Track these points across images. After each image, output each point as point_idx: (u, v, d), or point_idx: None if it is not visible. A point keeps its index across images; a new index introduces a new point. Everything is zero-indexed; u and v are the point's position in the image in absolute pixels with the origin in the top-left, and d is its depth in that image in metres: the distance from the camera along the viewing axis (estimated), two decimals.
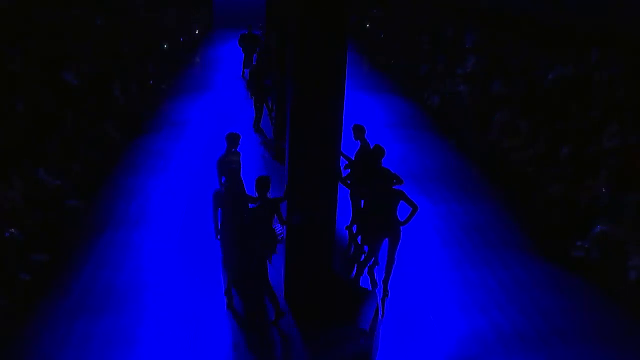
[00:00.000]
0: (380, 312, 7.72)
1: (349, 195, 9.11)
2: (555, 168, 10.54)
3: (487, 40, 16.46)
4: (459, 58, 16.32)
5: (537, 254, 9.29)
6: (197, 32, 24.85)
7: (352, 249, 9.13)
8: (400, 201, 7.75)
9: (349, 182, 8.87)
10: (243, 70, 19.01)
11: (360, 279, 8.47)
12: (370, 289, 8.19)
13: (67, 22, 15.11)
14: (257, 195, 7.35)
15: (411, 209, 7.70)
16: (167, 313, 7.58)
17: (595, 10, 13.04)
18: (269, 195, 7.39)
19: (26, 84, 11.26)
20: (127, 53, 15.94)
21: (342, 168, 8.61)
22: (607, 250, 8.64)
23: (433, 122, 15.48)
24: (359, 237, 8.80)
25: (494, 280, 8.53)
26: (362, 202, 8.71)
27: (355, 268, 8.69)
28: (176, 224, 9.72)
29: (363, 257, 8.90)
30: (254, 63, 14.96)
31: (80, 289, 7.97)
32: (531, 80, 13.31)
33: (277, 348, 7.11)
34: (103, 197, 10.65)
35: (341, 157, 8.43)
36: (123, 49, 15.96)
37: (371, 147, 8.88)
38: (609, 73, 11.73)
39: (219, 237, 7.70)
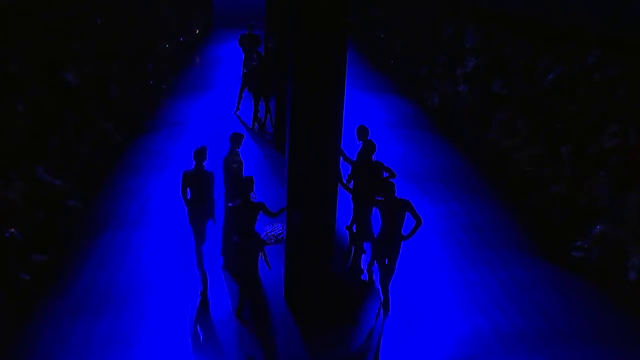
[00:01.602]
0: (381, 316, 7.73)
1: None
2: (555, 168, 10.55)
3: (487, 40, 16.45)
4: (459, 58, 16.32)
5: (537, 254, 9.29)
6: (197, 32, 24.85)
7: (352, 249, 9.13)
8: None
9: (350, 185, 8.87)
10: (243, 70, 18.98)
11: (360, 278, 8.49)
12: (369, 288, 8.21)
13: (67, 22, 15.10)
14: (240, 194, 7.38)
15: (415, 222, 7.49)
16: (167, 313, 7.58)
17: (596, 10, 13.03)
18: (253, 195, 7.40)
19: (26, 84, 11.25)
20: (127, 53, 15.94)
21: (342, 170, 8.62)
22: (607, 250, 8.64)
23: (433, 122, 15.49)
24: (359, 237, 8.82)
25: (494, 280, 8.54)
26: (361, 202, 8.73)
27: (354, 267, 8.71)
28: (176, 224, 9.71)
29: (363, 256, 8.91)
30: (254, 63, 14.99)
31: (80, 289, 7.97)
32: (531, 80, 13.31)
33: (278, 348, 7.11)
34: (103, 197, 10.65)
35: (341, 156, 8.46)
36: (123, 49, 15.96)
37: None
38: (609, 73, 11.73)
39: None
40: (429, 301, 8.01)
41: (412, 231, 7.52)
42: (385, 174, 8.60)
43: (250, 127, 14.39)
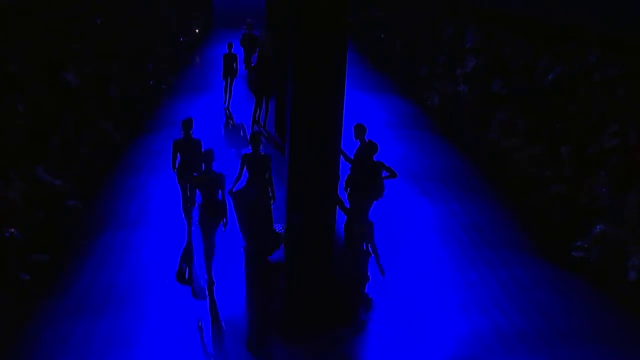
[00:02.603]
0: (380, 316, 7.73)
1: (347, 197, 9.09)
2: (555, 168, 10.54)
3: (487, 40, 16.46)
4: (459, 58, 16.32)
5: (537, 254, 9.29)
6: (197, 31, 24.86)
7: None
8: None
9: (347, 189, 8.87)
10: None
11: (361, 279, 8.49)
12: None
13: (67, 22, 15.11)
14: (203, 165, 7.88)
15: None
16: (167, 313, 7.58)
17: (596, 10, 13.04)
18: (213, 167, 7.92)
19: (26, 84, 11.26)
20: (127, 53, 15.94)
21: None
22: (607, 250, 8.64)
23: (433, 122, 15.49)
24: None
25: (494, 280, 8.53)
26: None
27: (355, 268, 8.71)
28: (176, 223, 9.72)
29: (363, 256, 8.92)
30: (253, 63, 15.09)
31: (81, 289, 7.97)
32: (531, 80, 13.31)
33: (278, 348, 7.11)
34: (103, 197, 10.65)
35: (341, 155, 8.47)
36: (123, 49, 15.96)
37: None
38: (609, 73, 11.73)
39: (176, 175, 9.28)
40: (429, 301, 8.01)
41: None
42: (385, 173, 8.61)
43: (250, 127, 14.38)
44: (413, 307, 7.87)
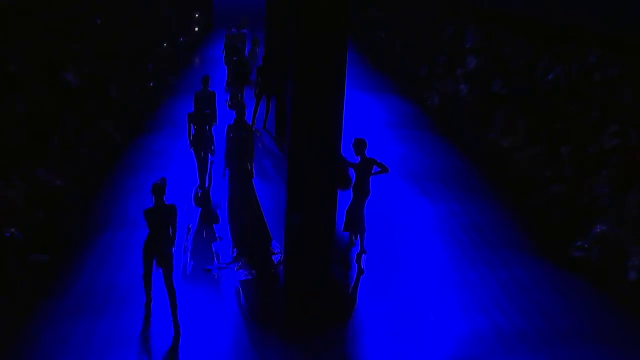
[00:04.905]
0: (381, 316, 7.73)
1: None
2: (555, 168, 10.54)
3: (487, 40, 16.46)
4: (459, 58, 16.32)
5: (537, 254, 9.29)
6: (196, 29, 24.82)
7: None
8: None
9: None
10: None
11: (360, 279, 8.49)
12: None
13: (67, 22, 15.11)
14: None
15: None
16: (167, 313, 7.58)
17: (596, 10, 13.04)
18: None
19: (26, 84, 11.26)
20: (127, 53, 15.94)
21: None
22: (607, 250, 8.64)
23: (433, 122, 15.48)
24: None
25: (494, 280, 8.54)
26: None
27: (356, 269, 8.72)
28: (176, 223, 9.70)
29: (364, 256, 8.92)
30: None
31: (81, 289, 7.97)
32: (531, 80, 13.31)
33: (278, 348, 7.11)
34: (103, 197, 10.65)
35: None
36: (123, 49, 15.96)
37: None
38: (609, 73, 11.73)
39: (191, 149, 10.67)
40: (429, 301, 8.01)
41: None
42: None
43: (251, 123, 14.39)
44: (413, 307, 7.88)
